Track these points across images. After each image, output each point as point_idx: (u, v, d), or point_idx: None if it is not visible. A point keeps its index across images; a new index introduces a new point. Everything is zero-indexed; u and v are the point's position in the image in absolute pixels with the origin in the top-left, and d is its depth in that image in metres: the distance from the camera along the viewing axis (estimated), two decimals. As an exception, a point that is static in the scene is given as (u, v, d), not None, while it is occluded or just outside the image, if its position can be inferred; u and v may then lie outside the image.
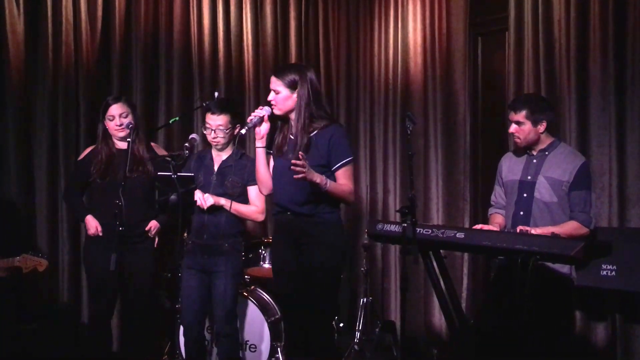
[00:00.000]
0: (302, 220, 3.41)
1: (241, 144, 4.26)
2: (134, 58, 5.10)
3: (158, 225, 4.09)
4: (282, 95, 3.41)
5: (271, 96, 3.44)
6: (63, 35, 4.83)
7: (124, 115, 3.99)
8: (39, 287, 4.67)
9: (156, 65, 5.19)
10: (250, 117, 3.42)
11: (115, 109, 3.98)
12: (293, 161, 3.18)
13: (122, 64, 5.05)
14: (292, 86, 3.40)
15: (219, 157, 4.03)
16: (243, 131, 3.43)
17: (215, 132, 3.94)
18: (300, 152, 3.22)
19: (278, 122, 3.51)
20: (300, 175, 3.18)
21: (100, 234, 3.93)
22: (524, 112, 3.55)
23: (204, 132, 4.00)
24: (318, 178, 3.27)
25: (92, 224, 3.96)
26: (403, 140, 5.27)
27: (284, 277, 3.53)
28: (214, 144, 3.98)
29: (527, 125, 3.56)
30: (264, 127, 3.42)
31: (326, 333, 3.53)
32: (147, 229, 4.05)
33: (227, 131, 3.95)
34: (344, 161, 3.40)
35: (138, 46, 5.09)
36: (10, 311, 4.42)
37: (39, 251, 4.24)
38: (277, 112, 3.43)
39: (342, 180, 3.41)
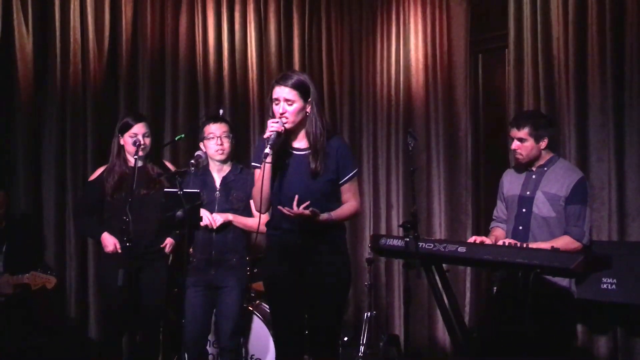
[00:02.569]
0: (313, 240, 3.20)
1: (238, 159, 4.30)
2: (140, 76, 5.18)
3: (173, 242, 4.09)
4: (296, 107, 3.15)
5: (282, 108, 3.13)
6: (71, 54, 4.91)
7: (146, 135, 4.01)
8: (47, 303, 4.71)
9: (162, 84, 5.28)
10: (267, 134, 3.11)
11: (139, 128, 3.98)
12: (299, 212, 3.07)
13: (129, 82, 5.13)
14: (305, 95, 3.16)
15: (219, 174, 4.07)
16: (267, 150, 3.06)
17: (221, 139, 3.98)
18: (312, 209, 3.07)
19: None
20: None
21: (120, 251, 3.88)
22: (526, 129, 3.59)
23: (205, 146, 4.01)
24: (321, 217, 3.12)
25: (110, 241, 3.92)
26: (405, 156, 5.33)
27: (286, 298, 3.30)
28: (220, 152, 3.99)
29: (530, 142, 3.60)
30: (278, 142, 3.15)
31: (336, 354, 3.41)
32: (162, 245, 4.06)
33: (230, 138, 4.02)
34: (350, 174, 3.25)
35: (144, 65, 5.18)
36: (18, 327, 4.45)
37: (47, 268, 4.27)
38: (288, 126, 3.14)
39: (347, 194, 3.26)
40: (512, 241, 3.46)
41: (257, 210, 3.32)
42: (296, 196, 3.11)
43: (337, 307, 3.33)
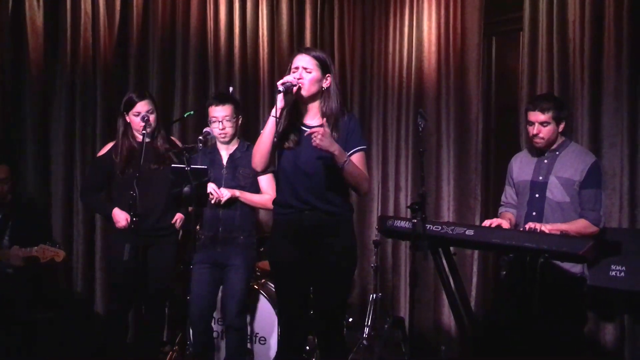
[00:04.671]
0: (321, 217, 3.20)
1: (248, 137, 4.28)
2: (150, 52, 5.16)
3: (183, 217, 4.10)
4: (313, 76, 3.16)
5: (298, 74, 3.15)
6: (82, 28, 4.90)
7: (150, 111, 3.99)
8: (54, 277, 4.73)
9: (172, 60, 5.25)
10: (284, 80, 3.11)
11: (142, 106, 3.97)
12: (312, 130, 3.01)
13: (139, 58, 5.11)
14: (324, 69, 3.19)
15: (226, 151, 4.06)
16: (281, 88, 3.06)
17: (222, 124, 3.96)
18: (323, 119, 3.06)
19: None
20: (318, 141, 2.99)
21: (133, 226, 3.82)
22: (551, 113, 3.54)
23: (209, 127, 3.99)
24: (338, 150, 3.05)
25: (122, 217, 3.91)
26: (415, 138, 5.30)
27: (293, 278, 3.29)
28: (222, 136, 3.99)
29: (552, 126, 3.56)
30: (289, 98, 3.14)
31: (341, 334, 3.40)
32: (173, 221, 4.06)
33: (233, 121, 4.00)
34: (359, 147, 3.21)
35: (155, 40, 5.16)
36: (26, 300, 4.47)
37: (55, 243, 4.28)
38: (302, 92, 3.14)
39: (359, 166, 3.21)
40: (534, 225, 3.42)
41: (253, 167, 3.30)
42: (310, 130, 3.06)
43: (342, 288, 3.32)
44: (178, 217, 4.10)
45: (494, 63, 5.23)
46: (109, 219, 4.04)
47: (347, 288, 3.39)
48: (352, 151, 3.20)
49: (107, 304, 4.77)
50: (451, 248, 3.75)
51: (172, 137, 4.31)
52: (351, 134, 3.21)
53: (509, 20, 5.03)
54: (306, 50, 3.25)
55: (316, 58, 3.18)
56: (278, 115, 3.11)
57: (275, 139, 3.16)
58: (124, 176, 3.95)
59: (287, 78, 3.13)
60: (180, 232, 4.18)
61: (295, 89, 3.12)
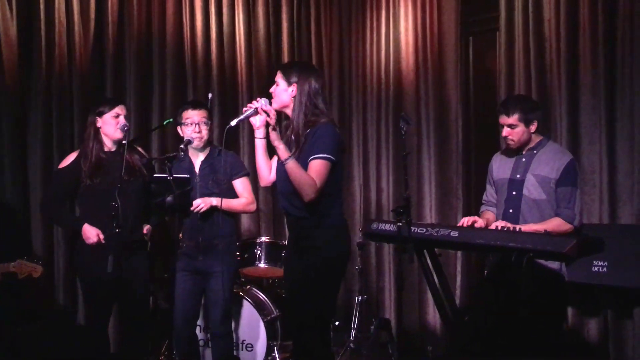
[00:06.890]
0: (300, 223, 3.27)
1: (226, 144, 4.24)
2: (127, 60, 5.11)
3: (150, 227, 4.01)
4: (279, 88, 3.29)
5: (272, 88, 3.34)
6: (56, 37, 4.84)
7: (127, 116, 3.91)
8: (36, 290, 4.67)
9: (149, 67, 5.21)
10: (244, 109, 3.29)
11: (121, 109, 3.88)
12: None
13: (116, 65, 5.06)
14: (289, 78, 3.27)
15: (197, 159, 4.03)
16: (233, 123, 3.21)
17: (199, 127, 3.94)
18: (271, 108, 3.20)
19: (284, 122, 3.39)
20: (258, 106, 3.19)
21: (103, 242, 3.76)
22: (516, 115, 3.56)
23: (182, 131, 3.97)
24: (282, 145, 3.14)
25: (93, 233, 3.78)
26: (396, 140, 5.31)
27: (287, 280, 3.47)
28: (198, 139, 3.94)
29: (520, 127, 3.58)
30: (259, 119, 3.24)
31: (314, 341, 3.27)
32: (144, 232, 3.98)
33: (209, 124, 3.99)
34: (318, 155, 3.14)
35: (131, 48, 5.10)
36: (7, 313, 4.41)
37: (34, 257, 4.20)
38: (273, 104, 3.26)
39: (310, 173, 3.15)
40: (504, 223, 3.44)
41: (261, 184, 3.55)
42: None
43: (308, 300, 3.21)
44: (147, 229, 3.98)
45: (472, 63, 5.26)
46: (76, 234, 3.87)
47: (313, 301, 3.21)
48: (311, 158, 3.15)
49: (87, 319, 4.65)
50: (435, 249, 3.76)
51: (138, 147, 4.14)
52: (315, 142, 3.17)
53: (485, 20, 5.08)
54: (279, 66, 3.45)
55: (281, 69, 3.32)
56: (261, 136, 3.29)
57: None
58: (94, 184, 3.80)
59: (249, 105, 3.24)
60: (149, 243, 4.11)
61: (260, 109, 3.18)
